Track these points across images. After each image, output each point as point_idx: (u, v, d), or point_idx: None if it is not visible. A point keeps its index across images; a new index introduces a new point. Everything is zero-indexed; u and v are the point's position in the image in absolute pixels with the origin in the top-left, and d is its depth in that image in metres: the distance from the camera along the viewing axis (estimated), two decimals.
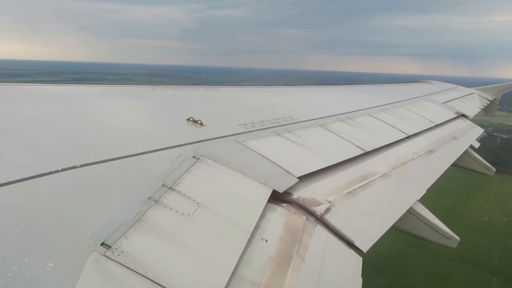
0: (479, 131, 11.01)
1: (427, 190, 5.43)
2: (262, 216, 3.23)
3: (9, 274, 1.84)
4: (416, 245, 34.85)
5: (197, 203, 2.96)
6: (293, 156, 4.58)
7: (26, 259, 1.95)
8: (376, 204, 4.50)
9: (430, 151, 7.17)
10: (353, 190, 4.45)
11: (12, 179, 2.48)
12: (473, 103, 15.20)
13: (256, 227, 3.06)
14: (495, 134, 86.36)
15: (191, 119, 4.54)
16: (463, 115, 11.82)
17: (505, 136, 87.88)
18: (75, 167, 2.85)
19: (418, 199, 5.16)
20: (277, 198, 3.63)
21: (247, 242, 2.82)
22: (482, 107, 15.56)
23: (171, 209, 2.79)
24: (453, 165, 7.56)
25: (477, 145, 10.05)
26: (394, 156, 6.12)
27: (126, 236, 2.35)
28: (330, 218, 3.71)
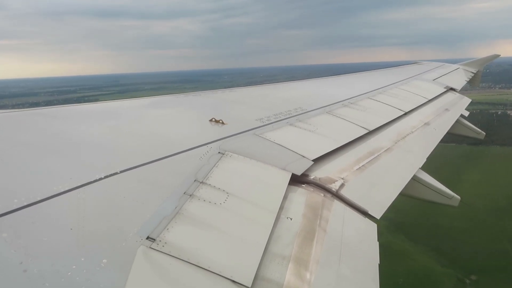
0: (467, 101, 10.74)
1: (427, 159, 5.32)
2: (285, 197, 3.16)
3: (69, 273, 1.82)
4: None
5: (227, 193, 2.90)
6: (306, 142, 4.49)
7: (82, 259, 1.93)
8: (384, 176, 4.40)
9: (426, 124, 7.00)
10: (362, 165, 4.35)
11: (62, 190, 2.46)
12: (459, 77, 14.80)
13: (281, 207, 3.00)
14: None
15: (213, 119, 4.49)
16: (452, 89, 11.53)
17: None
18: (116, 173, 2.83)
19: (420, 167, 5.05)
20: (296, 180, 3.55)
21: (274, 222, 2.76)
22: (468, 80, 15.19)
23: (204, 200, 2.74)
24: (447, 133, 7.39)
25: (466, 113, 9.82)
26: (395, 132, 5.97)
27: (168, 229, 2.32)
28: (344, 192, 3.64)
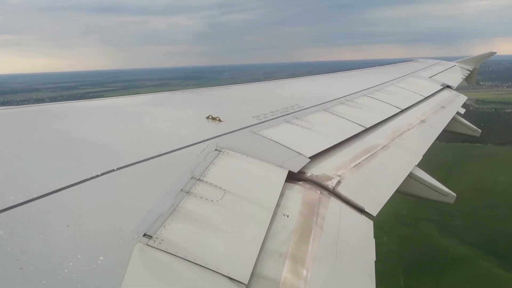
0: (463, 98, 10.74)
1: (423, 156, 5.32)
2: (281, 194, 3.15)
3: (66, 270, 1.81)
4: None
5: (224, 190, 2.89)
6: (303, 139, 4.48)
7: (79, 256, 1.92)
8: (380, 173, 4.40)
9: (423, 121, 6.99)
10: (359, 163, 4.35)
11: (59, 187, 2.44)
12: (456, 75, 14.81)
13: (278, 204, 2.99)
14: None
15: (210, 116, 4.47)
16: (448, 86, 11.53)
17: None
18: (112, 170, 2.81)
19: (416, 164, 5.05)
20: (293, 177, 3.54)
21: (271, 219, 2.75)
22: (464, 77, 15.20)
23: (201, 197, 2.73)
24: (443, 130, 7.39)
25: (462, 111, 9.83)
26: (391, 129, 5.96)
27: (164, 226, 2.31)
28: (341, 189, 3.63)
